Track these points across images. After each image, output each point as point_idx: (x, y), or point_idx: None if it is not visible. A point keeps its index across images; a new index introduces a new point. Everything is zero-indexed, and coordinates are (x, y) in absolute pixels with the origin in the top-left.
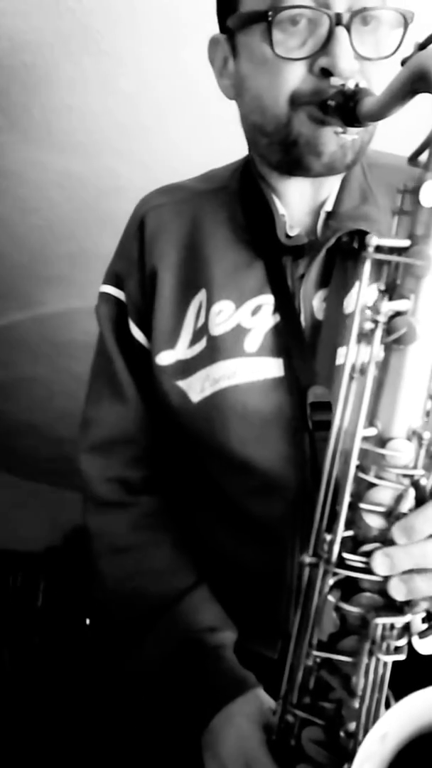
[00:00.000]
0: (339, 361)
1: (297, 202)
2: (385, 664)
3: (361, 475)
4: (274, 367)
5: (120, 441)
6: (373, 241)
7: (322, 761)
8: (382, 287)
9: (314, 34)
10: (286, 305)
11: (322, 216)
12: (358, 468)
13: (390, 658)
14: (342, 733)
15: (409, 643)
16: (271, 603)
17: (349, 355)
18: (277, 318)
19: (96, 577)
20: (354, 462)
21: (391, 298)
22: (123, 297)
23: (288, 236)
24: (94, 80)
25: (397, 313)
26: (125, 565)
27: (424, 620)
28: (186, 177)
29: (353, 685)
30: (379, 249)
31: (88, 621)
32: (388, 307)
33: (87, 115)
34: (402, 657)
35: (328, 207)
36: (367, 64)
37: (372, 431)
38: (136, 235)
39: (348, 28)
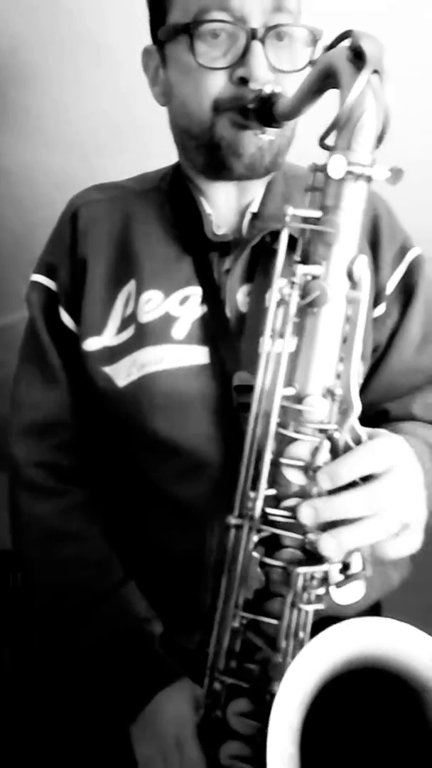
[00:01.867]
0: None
1: (223, 204)
2: (307, 618)
3: (281, 431)
4: (200, 355)
5: (49, 425)
6: (289, 210)
7: (247, 732)
8: (298, 258)
9: (233, 46)
10: (212, 297)
11: (248, 217)
12: (279, 425)
13: (311, 607)
14: (267, 697)
15: (327, 593)
16: (192, 590)
17: (269, 320)
18: (204, 309)
19: (25, 563)
20: (275, 419)
21: (305, 264)
22: (54, 286)
23: (215, 234)
24: (93, 80)
25: (313, 278)
26: (59, 553)
27: (341, 571)
28: None
29: (277, 642)
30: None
31: None
32: (302, 270)
33: (85, 115)
34: (322, 606)
35: (254, 209)
36: (282, 76)
37: (290, 391)
38: (69, 226)
39: (263, 42)
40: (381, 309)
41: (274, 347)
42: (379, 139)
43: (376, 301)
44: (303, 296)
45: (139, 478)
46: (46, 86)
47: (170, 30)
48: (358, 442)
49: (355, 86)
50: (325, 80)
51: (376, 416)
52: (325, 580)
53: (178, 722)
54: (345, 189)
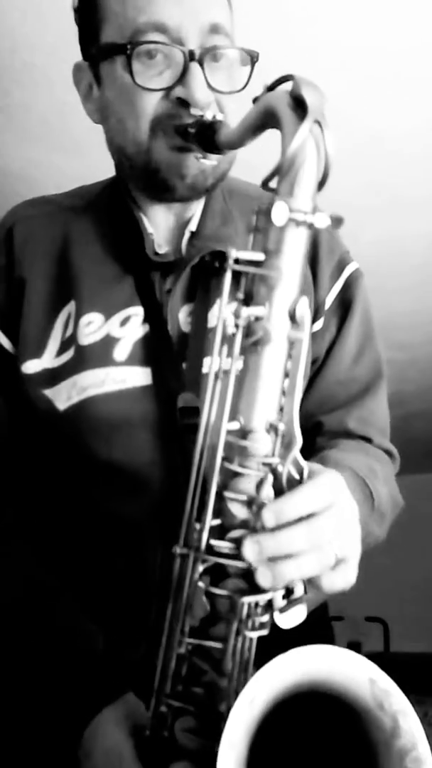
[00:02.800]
0: (204, 370)
1: (163, 223)
2: (251, 641)
3: (227, 464)
4: (142, 376)
5: None
6: (233, 254)
7: (194, 748)
8: (241, 296)
9: (170, 66)
10: (154, 316)
11: (186, 236)
12: (224, 459)
13: (255, 634)
14: (214, 717)
15: (272, 622)
16: (134, 604)
17: (214, 358)
18: (146, 328)
19: None
20: (220, 453)
21: (248, 306)
22: None
23: (156, 253)
24: None
25: (256, 318)
26: None
27: (283, 597)
28: None
29: (223, 666)
30: (237, 262)
31: None
32: (247, 312)
33: (86, 115)
34: (266, 632)
35: (192, 227)
36: (221, 97)
37: (235, 425)
38: (5, 244)
39: (201, 63)
40: (319, 324)
41: (218, 382)
42: (320, 185)
43: (315, 316)
44: (246, 335)
45: (81, 496)
46: (47, 86)
47: (105, 49)
48: (300, 473)
49: (297, 136)
50: (266, 120)
51: (311, 429)
52: (269, 607)
53: (114, 747)
54: (287, 234)
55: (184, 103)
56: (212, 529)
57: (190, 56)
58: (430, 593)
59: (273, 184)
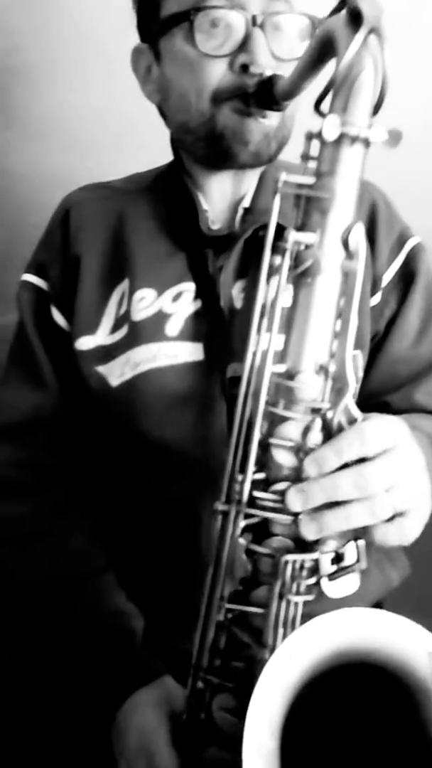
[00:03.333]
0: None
1: (219, 198)
2: (296, 613)
3: (271, 408)
4: (194, 351)
5: (34, 426)
6: (282, 176)
7: (232, 730)
8: (297, 225)
9: (232, 35)
10: (206, 292)
11: (240, 211)
12: (269, 403)
13: (300, 599)
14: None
15: (318, 585)
16: (186, 589)
17: (260, 291)
18: (198, 304)
19: (3, 567)
20: (264, 397)
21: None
22: (45, 285)
23: (210, 229)
24: (95, 79)
25: (306, 247)
26: (34, 552)
27: (332, 562)
28: None
29: (264, 636)
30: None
31: None
32: (294, 237)
33: (87, 115)
34: (311, 597)
35: (246, 203)
36: (282, 64)
37: (281, 367)
38: (61, 226)
39: (263, 29)
40: (377, 298)
41: (263, 319)
42: (378, 104)
43: (372, 290)
44: (296, 266)
45: (130, 474)
46: (47, 86)
47: (166, 21)
48: (353, 423)
49: (351, 46)
50: (322, 49)
51: (377, 409)
52: (315, 571)
53: (148, 728)
54: (341, 153)
55: (246, 69)
56: (257, 482)
57: (253, 21)
58: (430, 593)
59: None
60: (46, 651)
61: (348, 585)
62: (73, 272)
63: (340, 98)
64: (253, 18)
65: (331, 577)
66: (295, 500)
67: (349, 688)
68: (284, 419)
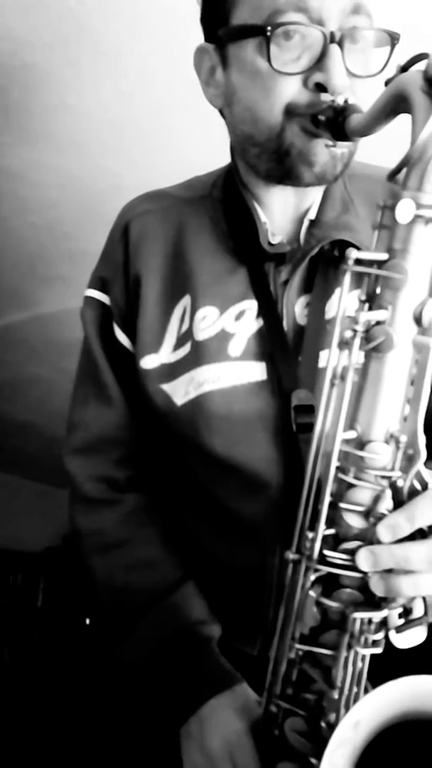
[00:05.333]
0: (321, 364)
1: (279, 211)
2: (364, 657)
3: (342, 476)
4: (257, 371)
5: (105, 442)
6: (353, 254)
7: (303, 750)
8: (363, 297)
9: (308, 49)
10: (269, 310)
11: (306, 224)
12: (339, 469)
13: (368, 651)
14: (323, 724)
15: (387, 638)
16: (252, 600)
17: (330, 361)
18: (261, 323)
19: (87, 574)
20: (334, 463)
21: (370, 308)
22: (108, 301)
23: (270, 244)
24: (94, 80)
25: (377, 323)
26: (115, 561)
27: (400, 615)
28: (186, 177)
29: (333, 678)
30: (359, 261)
31: (88, 621)
32: (366, 317)
33: (86, 115)
34: (379, 650)
35: (312, 216)
36: (356, 81)
37: (352, 434)
38: (121, 241)
39: (341, 46)
40: None
41: (334, 388)
42: None
43: None
44: (368, 340)
45: (200, 490)
46: (48, 87)
47: (237, 31)
48: (425, 488)
49: (429, 124)
50: (397, 104)
51: None
52: (383, 624)
53: (233, 733)
54: (414, 233)
55: (321, 88)
56: (326, 538)
57: (331, 38)
58: None
59: (400, 176)
60: (125, 652)
61: (414, 637)
62: (135, 291)
63: (415, 175)
64: (332, 34)
65: (399, 629)
66: (365, 561)
67: (412, 746)
68: (354, 485)
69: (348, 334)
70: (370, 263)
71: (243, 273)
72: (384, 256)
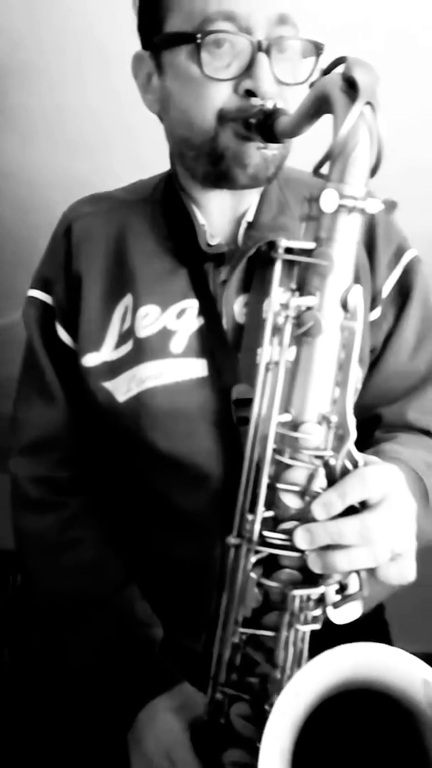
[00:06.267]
0: (259, 360)
1: (218, 213)
2: (304, 634)
3: (278, 457)
4: (198, 368)
5: (48, 442)
6: (283, 243)
7: (249, 735)
8: (294, 286)
9: (237, 57)
10: (209, 309)
11: (243, 226)
12: (275, 451)
13: (307, 628)
14: (267, 707)
15: (326, 615)
16: (198, 595)
17: (264, 348)
18: (201, 321)
19: (28, 575)
20: (271, 445)
21: (301, 296)
22: (50, 301)
23: (209, 245)
24: (94, 80)
25: (307, 308)
26: (56, 565)
27: (337, 591)
28: None
29: (276, 658)
30: (289, 251)
31: None
32: (296, 302)
33: (87, 115)
34: (318, 626)
35: (249, 218)
36: (285, 88)
37: (287, 417)
38: (63, 242)
39: (268, 54)
40: (377, 312)
41: (269, 374)
42: (373, 171)
43: (372, 305)
44: (298, 326)
45: (143, 486)
46: (47, 86)
47: (170, 38)
48: (355, 466)
49: (348, 119)
50: (320, 105)
51: (370, 421)
52: (321, 601)
53: (169, 734)
54: (339, 221)
55: (250, 94)
56: (265, 520)
57: (258, 46)
58: (430, 593)
59: (324, 170)
60: (64, 660)
61: (351, 612)
62: (76, 290)
63: (337, 168)
64: (259, 43)
65: (336, 605)
66: (302, 539)
67: (354, 714)
68: (290, 465)
69: (280, 320)
70: (299, 252)
71: (183, 273)
72: (311, 245)
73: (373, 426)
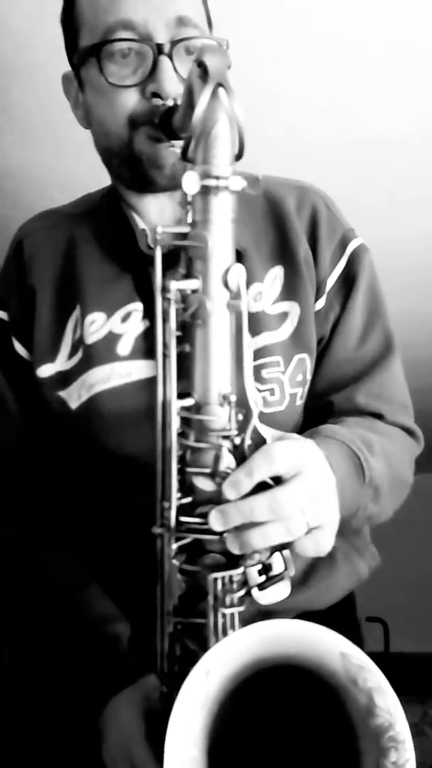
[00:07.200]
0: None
1: (157, 217)
2: (233, 617)
3: (183, 441)
4: (146, 368)
5: (3, 455)
6: (160, 229)
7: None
8: (183, 272)
9: (143, 64)
10: (153, 311)
11: None
12: (180, 435)
13: (229, 611)
14: None
15: (249, 595)
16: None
17: (157, 334)
18: (147, 323)
19: None
20: (175, 430)
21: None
22: (5, 316)
23: (150, 248)
24: None
25: (192, 292)
26: (17, 572)
27: (260, 573)
28: None
29: (208, 644)
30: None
31: None
32: (177, 285)
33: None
34: (241, 608)
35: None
36: None
37: (189, 401)
38: (15, 258)
39: (170, 57)
40: (321, 303)
41: (167, 360)
42: (239, 153)
43: (317, 295)
44: (185, 310)
45: (98, 489)
46: (49, 87)
47: (81, 54)
48: (263, 443)
49: (201, 100)
50: (189, 93)
51: (322, 409)
52: (246, 583)
53: (128, 728)
54: (210, 203)
55: (156, 96)
56: (184, 507)
57: (159, 50)
58: (430, 593)
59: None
60: (39, 659)
61: (279, 592)
62: (30, 303)
63: (200, 150)
64: (159, 47)
65: (261, 586)
66: (216, 521)
67: (274, 692)
68: (199, 448)
69: (165, 305)
70: (175, 237)
71: (128, 278)
72: (186, 228)
73: (326, 414)
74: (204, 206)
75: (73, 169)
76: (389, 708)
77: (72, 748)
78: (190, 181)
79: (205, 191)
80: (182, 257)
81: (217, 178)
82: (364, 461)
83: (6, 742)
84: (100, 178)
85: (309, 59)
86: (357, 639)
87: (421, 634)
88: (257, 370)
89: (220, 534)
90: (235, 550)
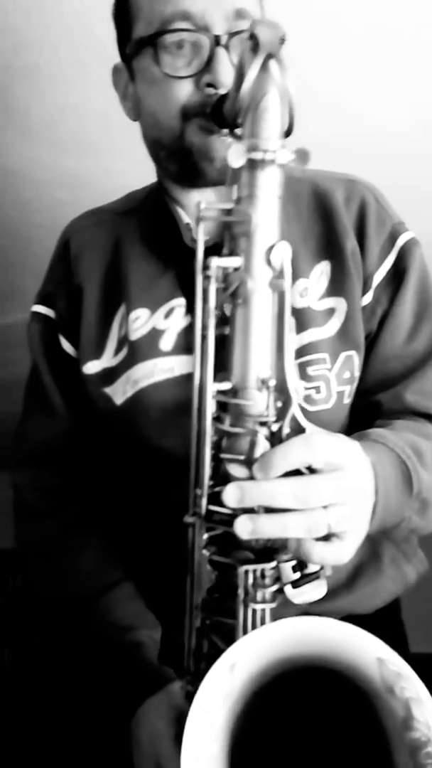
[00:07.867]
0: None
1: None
2: (263, 614)
3: (219, 425)
4: (188, 364)
5: (49, 452)
6: (203, 205)
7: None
8: (226, 252)
9: (198, 55)
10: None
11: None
12: (216, 419)
13: (265, 606)
14: None
15: (282, 592)
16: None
17: (197, 314)
18: (189, 319)
19: (29, 582)
20: (210, 414)
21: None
22: (52, 314)
23: (194, 240)
24: (97, 80)
25: (235, 270)
26: (53, 570)
27: (294, 570)
28: None
29: (236, 641)
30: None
31: None
32: (217, 263)
33: (89, 115)
34: (274, 605)
35: None
36: None
37: (227, 385)
38: (62, 257)
39: (227, 48)
40: (368, 297)
41: (206, 342)
42: (289, 128)
43: (363, 290)
44: (225, 289)
45: (141, 485)
46: (50, 86)
47: (135, 44)
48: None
49: (250, 72)
50: (240, 71)
51: (368, 409)
52: (279, 579)
53: (157, 738)
54: (256, 177)
55: (211, 87)
56: (217, 495)
57: (216, 41)
58: None
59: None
60: (65, 661)
61: (314, 591)
62: (77, 301)
63: (248, 122)
64: (216, 38)
65: (295, 584)
66: (231, 497)
67: (305, 693)
68: (234, 434)
69: (205, 283)
70: (220, 213)
71: (171, 274)
72: (230, 204)
73: (374, 414)
74: (250, 181)
75: (73, 168)
76: (428, 721)
77: (72, 747)
78: (236, 154)
79: (252, 165)
80: (225, 235)
81: (264, 151)
82: (413, 471)
83: (6, 742)
84: (105, 178)
85: (310, 53)
86: (401, 643)
87: None
88: (303, 368)
89: (234, 513)
90: (243, 535)
